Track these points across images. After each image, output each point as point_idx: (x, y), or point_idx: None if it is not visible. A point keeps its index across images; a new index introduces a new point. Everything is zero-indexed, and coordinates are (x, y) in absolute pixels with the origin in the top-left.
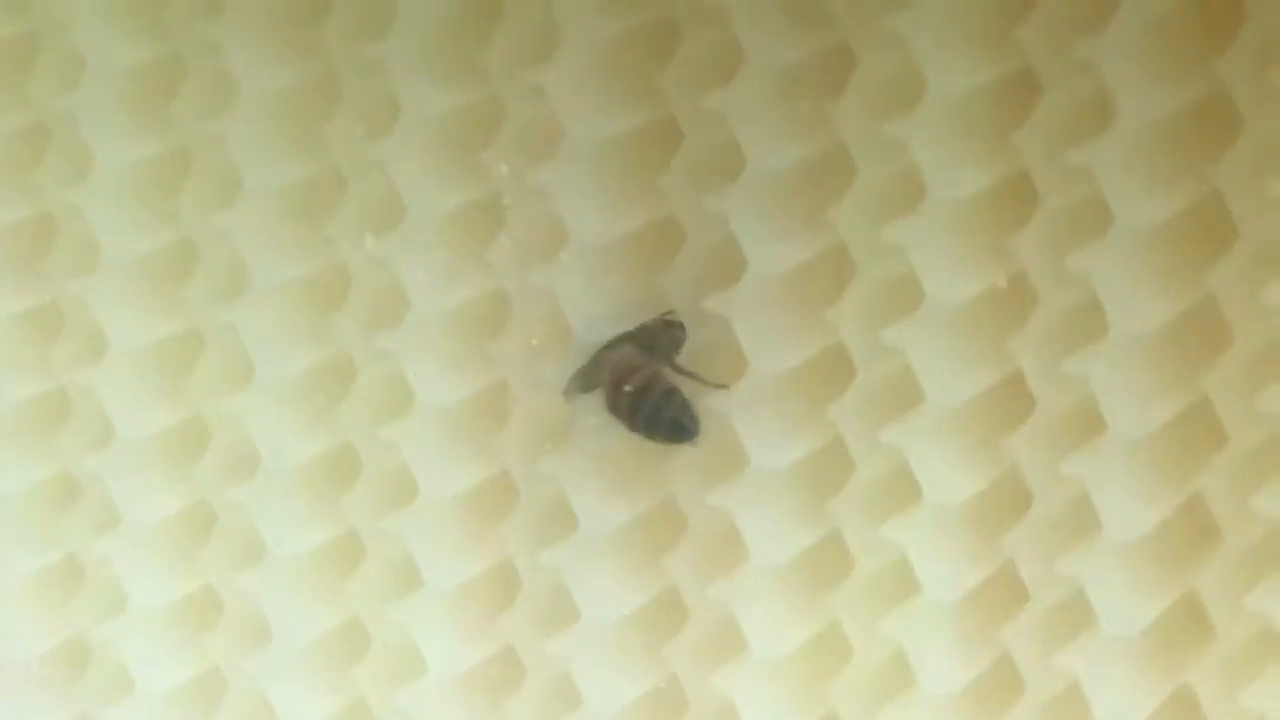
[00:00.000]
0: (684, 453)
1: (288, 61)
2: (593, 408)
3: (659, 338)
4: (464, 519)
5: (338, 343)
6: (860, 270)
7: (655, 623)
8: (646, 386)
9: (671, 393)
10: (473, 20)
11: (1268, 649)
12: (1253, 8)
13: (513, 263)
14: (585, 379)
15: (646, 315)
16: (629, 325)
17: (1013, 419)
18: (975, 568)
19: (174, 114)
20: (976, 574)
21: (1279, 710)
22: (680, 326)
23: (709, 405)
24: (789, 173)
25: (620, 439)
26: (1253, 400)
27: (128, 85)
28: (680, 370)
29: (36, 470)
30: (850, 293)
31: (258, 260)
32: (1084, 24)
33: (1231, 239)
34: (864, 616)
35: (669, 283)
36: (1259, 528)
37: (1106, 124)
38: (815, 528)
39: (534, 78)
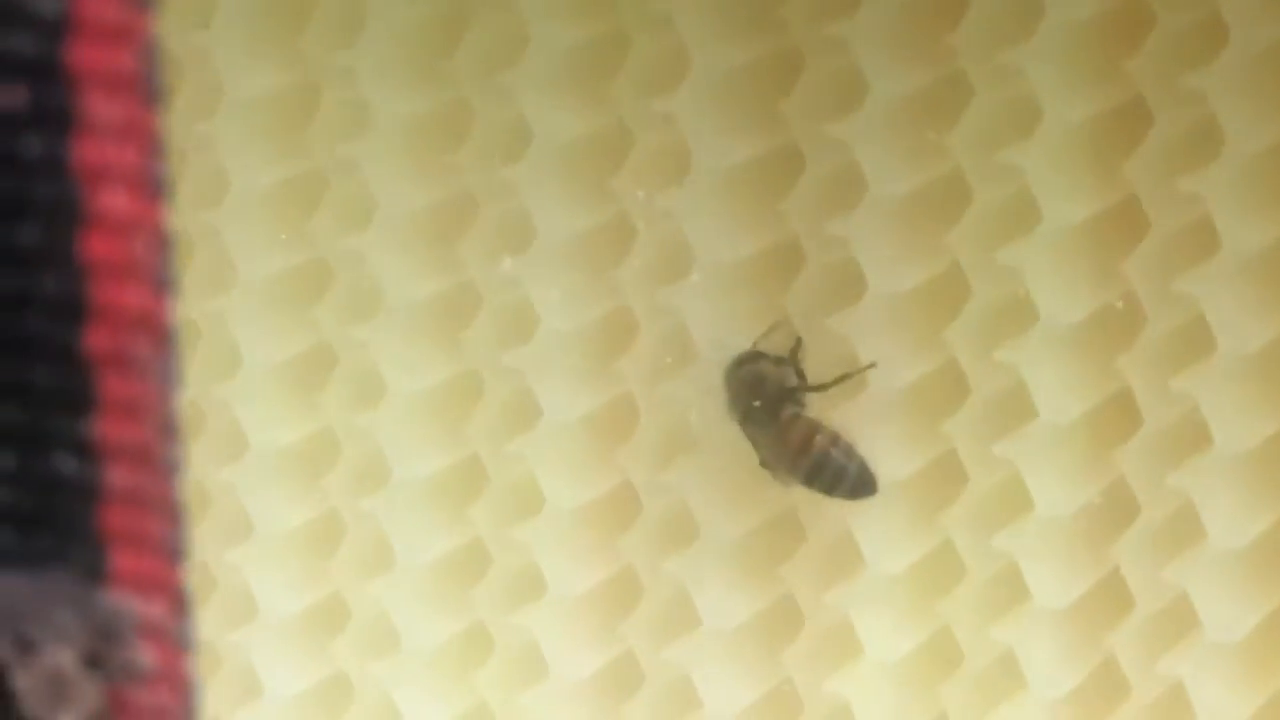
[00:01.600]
0: None
1: (421, 88)
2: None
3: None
4: (587, 528)
5: (467, 360)
6: (975, 292)
7: (772, 628)
8: (826, 453)
9: (849, 453)
10: (601, 50)
11: None
12: None
13: (641, 283)
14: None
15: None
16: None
17: (1121, 433)
18: (1082, 576)
19: (309, 139)
20: (1084, 582)
21: None
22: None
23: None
24: (908, 198)
25: (741, 454)
26: None
27: (263, 112)
28: (816, 387)
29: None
30: (966, 313)
31: (390, 280)
32: (1194, 56)
33: None
34: (975, 622)
35: (791, 302)
36: None
37: (1216, 152)
38: (929, 537)
39: (662, 106)
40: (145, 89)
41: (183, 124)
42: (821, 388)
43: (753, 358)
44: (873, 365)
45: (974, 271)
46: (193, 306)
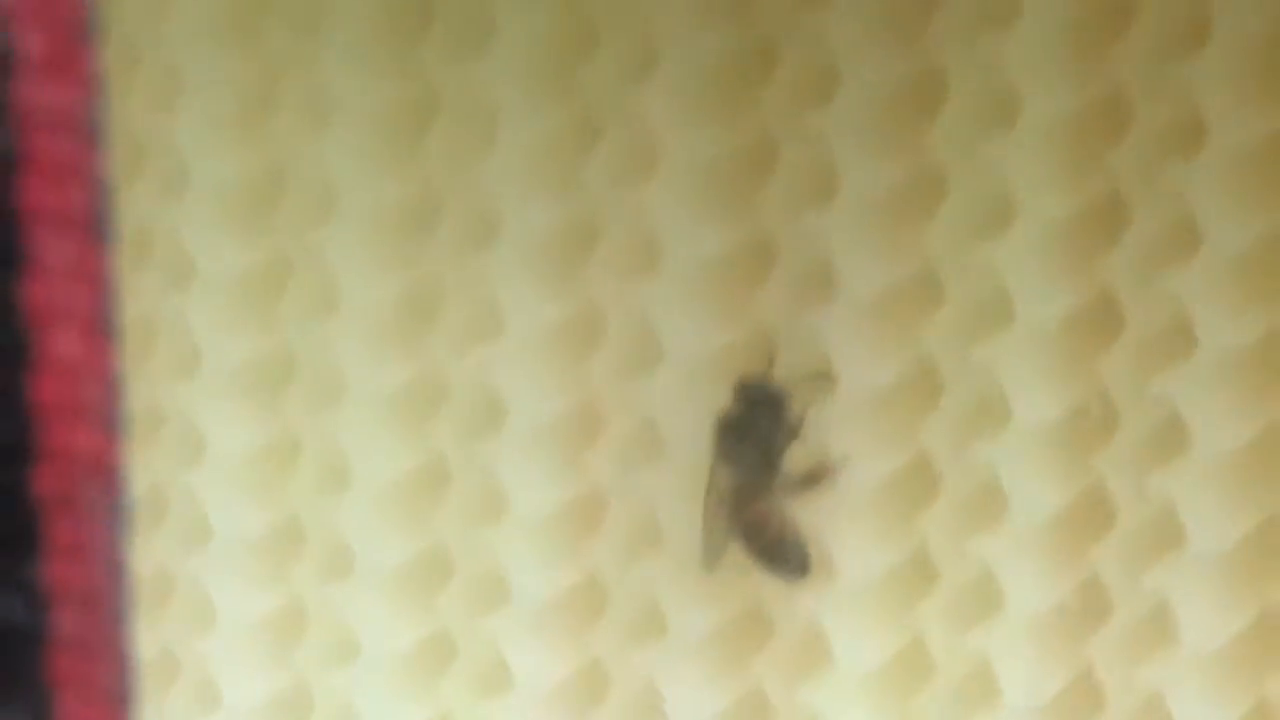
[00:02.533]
0: None
1: (390, 175)
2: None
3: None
4: (555, 620)
5: (431, 452)
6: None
7: None
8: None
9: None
10: (571, 137)
11: None
12: None
13: (611, 376)
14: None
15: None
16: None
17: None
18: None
19: (276, 225)
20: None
21: None
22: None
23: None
24: (882, 295)
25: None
26: None
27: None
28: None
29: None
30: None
31: (356, 369)
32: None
33: None
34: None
35: None
36: None
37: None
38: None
39: (633, 198)
40: (96, 228)
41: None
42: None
43: (777, 398)
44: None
45: (950, 367)
46: (159, 392)
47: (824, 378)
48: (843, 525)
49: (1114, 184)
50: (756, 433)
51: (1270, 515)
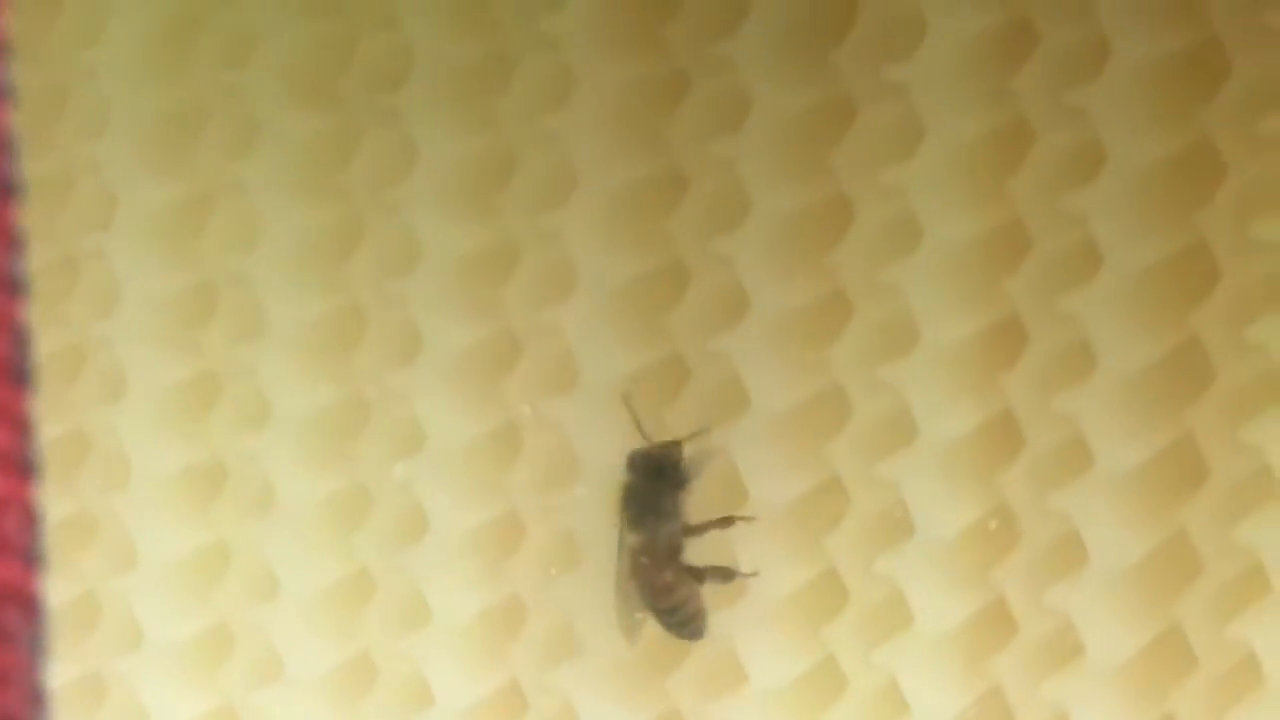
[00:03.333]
0: None
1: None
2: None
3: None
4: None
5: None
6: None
7: None
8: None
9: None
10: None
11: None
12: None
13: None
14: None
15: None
16: None
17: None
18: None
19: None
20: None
21: None
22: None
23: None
24: (792, 315)
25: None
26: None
27: (156, 223)
28: (695, 528)
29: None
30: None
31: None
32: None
33: (1209, 382)
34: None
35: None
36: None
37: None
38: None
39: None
40: (15, 370)
41: (76, 234)
42: (699, 529)
43: (668, 455)
44: (755, 573)
45: (856, 389)
46: (85, 418)
47: (705, 433)
48: (755, 549)
49: (1015, 209)
50: (654, 498)
51: (1172, 533)
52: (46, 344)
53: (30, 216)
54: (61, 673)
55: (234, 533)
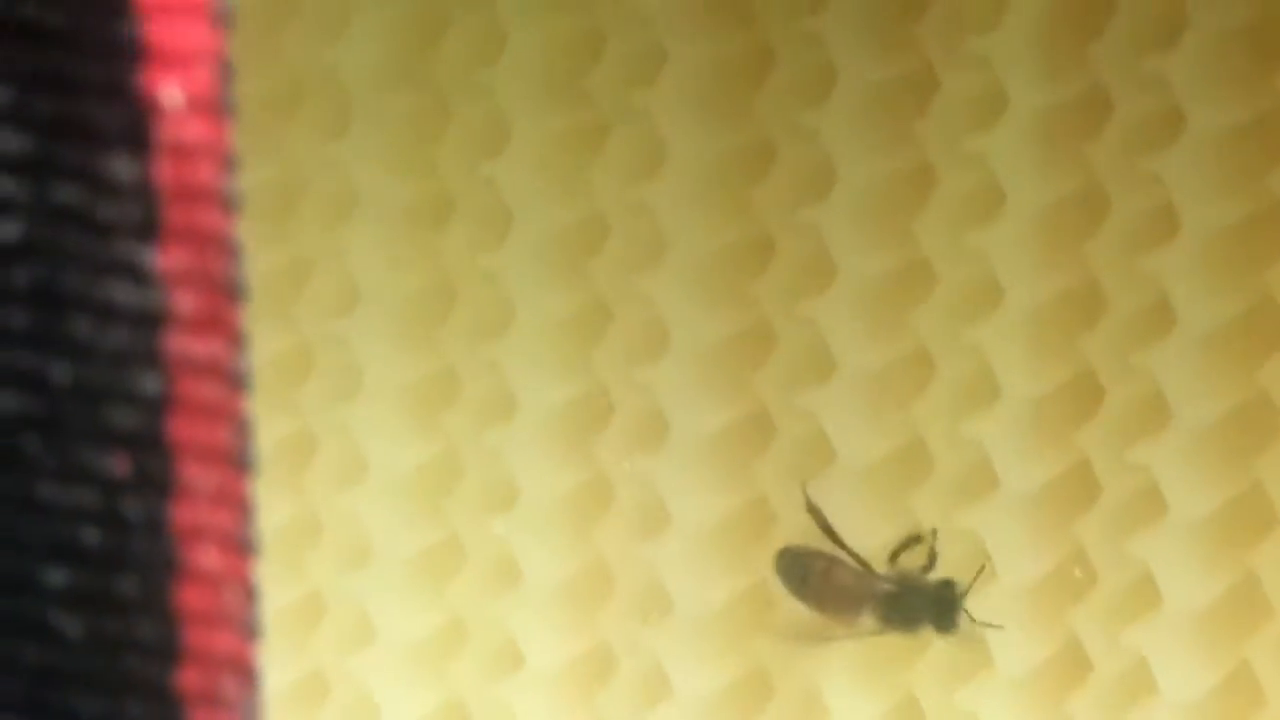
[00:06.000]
0: None
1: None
2: None
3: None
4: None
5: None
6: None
7: None
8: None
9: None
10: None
11: None
12: None
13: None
14: None
15: None
16: None
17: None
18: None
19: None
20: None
21: None
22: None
23: None
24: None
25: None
26: None
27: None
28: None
29: None
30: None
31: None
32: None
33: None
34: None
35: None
36: None
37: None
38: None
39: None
40: (238, 458)
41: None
42: None
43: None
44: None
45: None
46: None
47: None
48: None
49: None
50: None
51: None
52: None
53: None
54: (286, 671)
55: (469, 528)
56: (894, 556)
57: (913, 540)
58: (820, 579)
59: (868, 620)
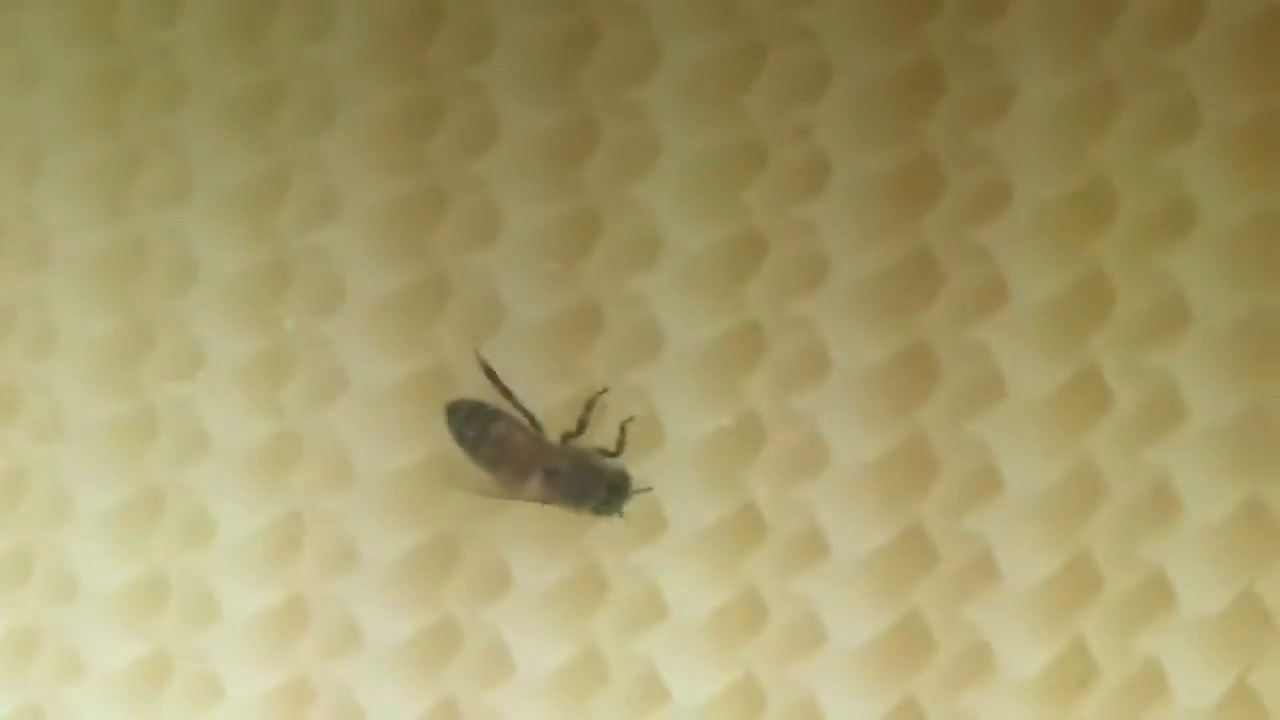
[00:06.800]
0: None
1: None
2: None
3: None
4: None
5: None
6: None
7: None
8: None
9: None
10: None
11: None
12: None
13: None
14: None
15: None
16: None
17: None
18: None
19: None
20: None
21: None
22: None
23: None
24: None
25: None
26: None
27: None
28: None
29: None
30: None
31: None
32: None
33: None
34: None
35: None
36: None
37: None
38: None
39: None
40: None
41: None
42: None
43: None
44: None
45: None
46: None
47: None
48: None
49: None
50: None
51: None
52: None
53: None
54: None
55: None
56: (581, 427)
57: (593, 407)
58: (497, 441)
59: (534, 486)
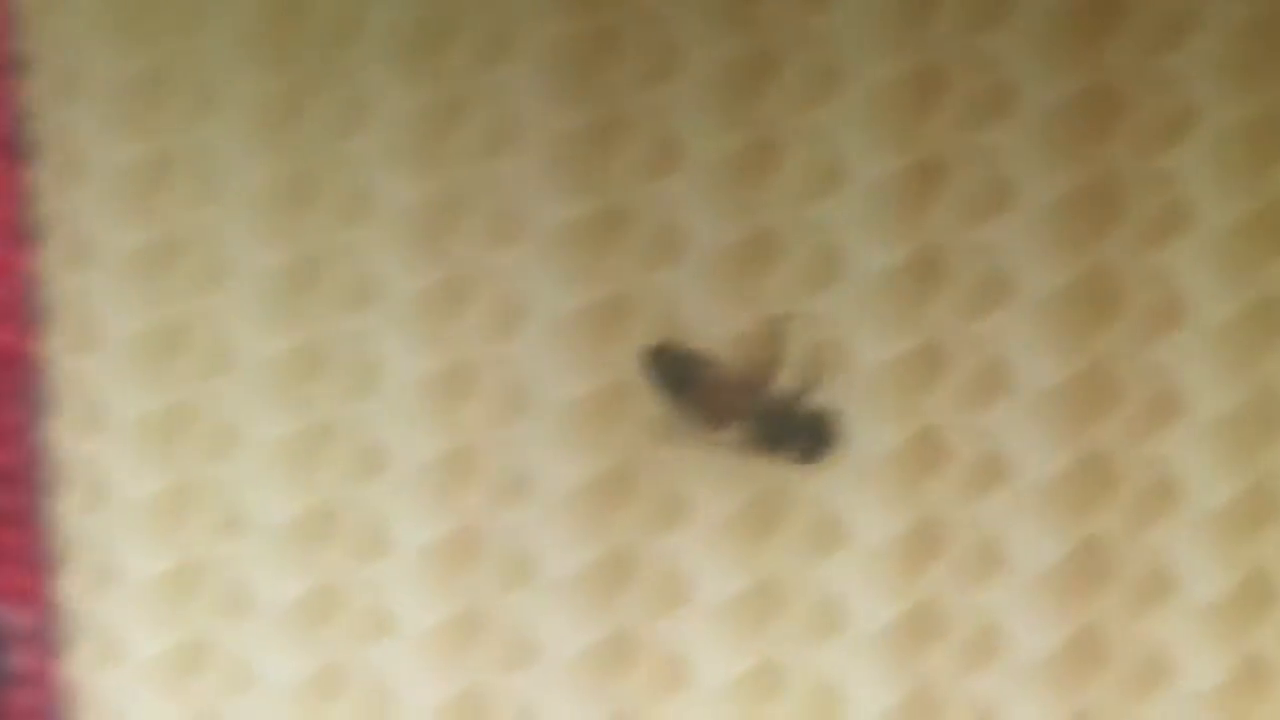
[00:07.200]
0: None
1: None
2: None
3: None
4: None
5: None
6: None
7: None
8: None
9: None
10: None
11: None
12: None
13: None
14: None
15: None
16: None
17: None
18: None
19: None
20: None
21: None
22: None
23: None
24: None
25: None
26: None
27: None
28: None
29: None
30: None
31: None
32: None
33: None
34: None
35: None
36: None
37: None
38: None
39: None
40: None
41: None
42: None
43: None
44: None
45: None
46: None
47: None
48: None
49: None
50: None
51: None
52: None
53: None
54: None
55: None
56: (774, 363)
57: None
58: (702, 385)
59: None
